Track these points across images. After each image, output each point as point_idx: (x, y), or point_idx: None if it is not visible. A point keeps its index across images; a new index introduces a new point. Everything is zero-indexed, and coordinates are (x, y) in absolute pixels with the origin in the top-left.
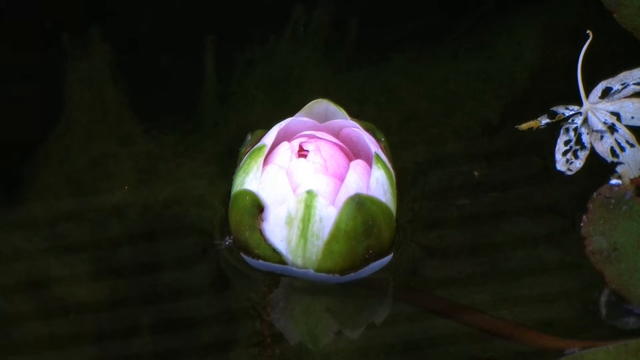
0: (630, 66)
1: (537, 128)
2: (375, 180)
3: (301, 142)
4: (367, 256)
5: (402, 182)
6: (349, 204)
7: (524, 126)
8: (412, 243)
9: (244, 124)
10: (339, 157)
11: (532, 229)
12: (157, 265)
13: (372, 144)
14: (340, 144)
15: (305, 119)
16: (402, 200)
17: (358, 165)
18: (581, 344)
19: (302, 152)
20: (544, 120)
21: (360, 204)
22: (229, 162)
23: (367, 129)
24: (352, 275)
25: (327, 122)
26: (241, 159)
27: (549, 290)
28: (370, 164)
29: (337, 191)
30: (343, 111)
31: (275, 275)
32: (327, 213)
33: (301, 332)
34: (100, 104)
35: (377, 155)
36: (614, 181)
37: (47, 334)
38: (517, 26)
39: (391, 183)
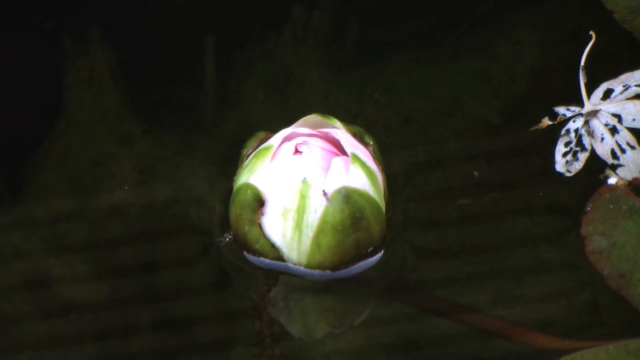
0: (630, 66)
1: (546, 127)
2: (354, 181)
3: (296, 144)
4: (356, 251)
5: (402, 182)
6: (335, 196)
7: (534, 128)
8: (406, 242)
9: (244, 124)
10: (329, 158)
11: (532, 229)
12: (157, 265)
13: (350, 147)
14: (331, 147)
15: (302, 128)
16: (399, 199)
17: (341, 160)
18: (581, 344)
19: (297, 153)
20: (549, 122)
21: (347, 196)
22: (229, 162)
23: (355, 134)
24: (345, 272)
25: (319, 130)
26: (243, 161)
27: (549, 290)
28: None
29: None
30: (332, 120)
31: (275, 273)
32: (322, 204)
33: (300, 331)
34: (100, 104)
35: (354, 156)
36: (612, 181)
37: (47, 334)
38: (517, 26)
39: (373, 182)
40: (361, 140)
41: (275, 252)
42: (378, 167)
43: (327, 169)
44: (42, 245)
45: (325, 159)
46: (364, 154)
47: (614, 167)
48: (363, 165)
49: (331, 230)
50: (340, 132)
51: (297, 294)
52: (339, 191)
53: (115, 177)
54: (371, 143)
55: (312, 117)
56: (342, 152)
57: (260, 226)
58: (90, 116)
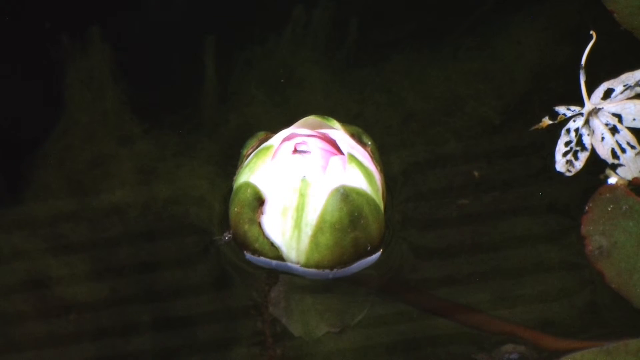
0: (630, 66)
1: (546, 127)
2: (351, 180)
3: (296, 143)
4: (355, 249)
5: (401, 182)
6: (333, 195)
7: (535, 127)
8: (405, 242)
9: (244, 124)
10: (328, 157)
11: (532, 229)
12: (157, 265)
13: (346, 147)
14: (330, 147)
15: (301, 128)
16: (398, 199)
17: (339, 159)
18: (581, 344)
19: (296, 152)
20: (549, 121)
21: (345, 195)
22: (229, 162)
23: (353, 134)
24: (343, 271)
25: (317, 130)
26: (243, 161)
27: (549, 290)
28: None
29: None
30: (331, 121)
31: (275, 273)
32: (321, 202)
33: (300, 330)
34: (100, 104)
35: (351, 156)
36: (612, 180)
37: (47, 333)
38: (517, 26)
39: (370, 181)
40: (359, 140)
41: (274, 251)
42: (376, 167)
43: (324, 168)
44: (42, 245)
45: (324, 159)
46: (361, 154)
47: (614, 167)
48: (360, 164)
49: (329, 229)
50: (338, 133)
51: (297, 294)
52: (337, 190)
53: (115, 177)
54: (369, 143)
55: (311, 119)
56: (341, 152)
57: (259, 225)
58: (90, 116)
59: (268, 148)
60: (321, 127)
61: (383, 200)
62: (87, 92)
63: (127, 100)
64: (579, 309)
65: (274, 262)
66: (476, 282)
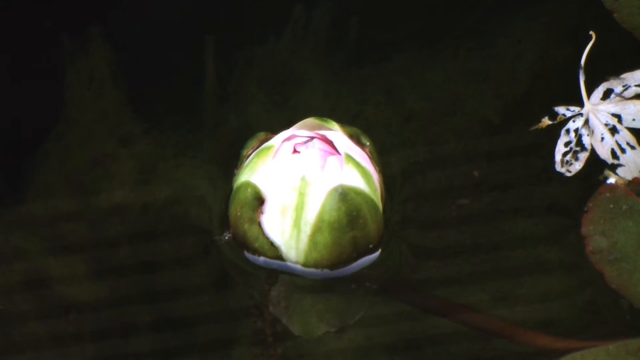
0: (630, 66)
1: (546, 127)
2: (348, 180)
3: (295, 144)
4: (354, 249)
5: (401, 182)
6: (332, 194)
7: (535, 127)
8: (405, 242)
9: (244, 124)
10: (326, 157)
11: (532, 229)
12: (157, 265)
13: (344, 148)
14: (329, 148)
15: (300, 130)
16: (398, 199)
17: (337, 159)
18: (581, 344)
19: (295, 152)
20: (549, 121)
21: (343, 194)
22: (229, 162)
23: (351, 135)
24: (343, 271)
25: (316, 131)
26: (243, 161)
27: (549, 290)
28: None
29: None
30: (330, 122)
31: (275, 272)
32: (319, 202)
33: (300, 330)
34: (100, 104)
35: (348, 156)
36: (612, 180)
37: (47, 334)
38: (518, 26)
39: (368, 182)
40: (357, 141)
41: (274, 251)
42: (374, 167)
43: (322, 168)
44: (42, 245)
45: (323, 159)
46: (359, 155)
47: (614, 167)
48: (357, 165)
49: (328, 228)
50: (336, 134)
51: (297, 293)
52: (335, 189)
53: (115, 177)
54: (368, 144)
55: (310, 120)
56: (339, 153)
57: (259, 224)
58: (90, 116)
59: (269, 148)
60: (320, 128)
61: (382, 200)
62: (87, 92)
63: (127, 100)
64: (579, 309)
65: (273, 261)
66: (476, 282)
